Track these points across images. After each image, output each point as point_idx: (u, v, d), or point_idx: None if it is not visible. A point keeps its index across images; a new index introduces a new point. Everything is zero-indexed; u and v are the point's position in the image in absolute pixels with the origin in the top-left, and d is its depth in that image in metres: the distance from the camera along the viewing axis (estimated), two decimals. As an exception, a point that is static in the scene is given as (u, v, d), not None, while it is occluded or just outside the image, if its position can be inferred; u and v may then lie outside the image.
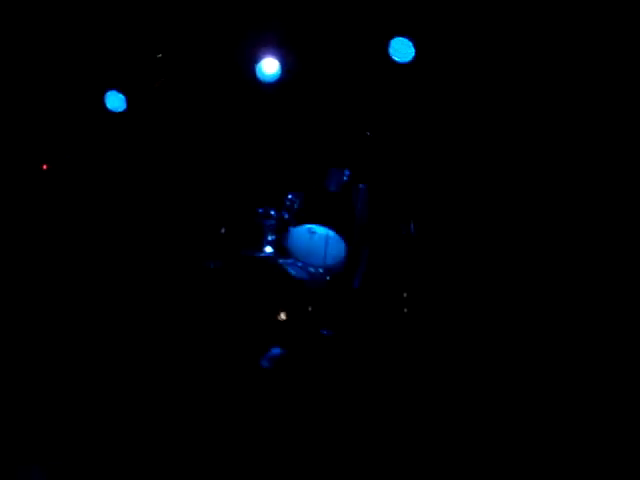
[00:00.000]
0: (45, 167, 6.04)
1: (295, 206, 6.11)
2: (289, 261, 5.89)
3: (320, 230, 5.98)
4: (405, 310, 5.77)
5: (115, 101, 6.21)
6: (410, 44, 5.94)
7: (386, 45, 6.02)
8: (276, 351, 5.33)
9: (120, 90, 6.18)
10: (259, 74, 6.29)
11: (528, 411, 4.74)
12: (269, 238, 5.96)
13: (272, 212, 6.00)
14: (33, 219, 6.05)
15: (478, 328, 5.62)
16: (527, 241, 5.82)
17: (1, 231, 5.93)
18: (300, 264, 5.94)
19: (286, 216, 6.07)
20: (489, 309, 5.72)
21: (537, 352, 5.30)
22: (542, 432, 4.53)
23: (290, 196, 6.14)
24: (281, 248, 6.04)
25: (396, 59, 6.04)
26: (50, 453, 4.37)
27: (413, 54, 5.92)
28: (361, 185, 6.24)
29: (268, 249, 5.93)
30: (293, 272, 5.62)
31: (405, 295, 5.80)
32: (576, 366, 5.07)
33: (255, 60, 6.23)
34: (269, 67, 6.22)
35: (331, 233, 5.96)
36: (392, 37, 6.00)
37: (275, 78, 6.24)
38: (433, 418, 4.82)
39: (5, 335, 5.40)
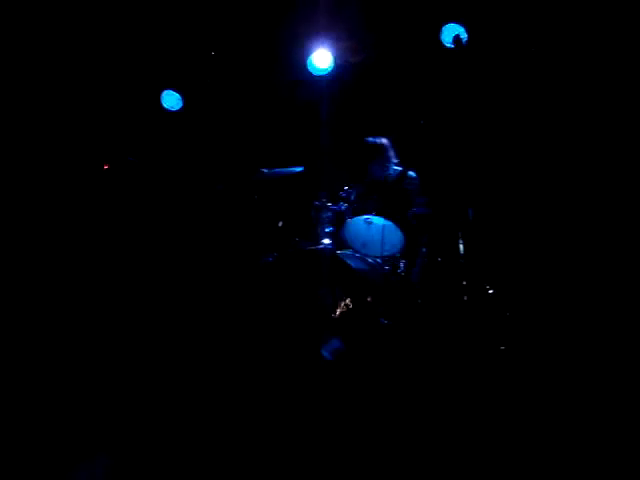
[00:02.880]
0: (106, 167, 6.17)
1: (351, 197, 6.13)
2: (347, 252, 5.91)
3: (377, 220, 5.96)
4: (465, 298, 5.74)
5: (171, 100, 6.31)
6: (462, 30, 5.90)
7: (438, 31, 6.00)
8: (336, 343, 5.37)
9: (176, 89, 6.28)
10: (311, 66, 6.33)
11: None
12: (326, 230, 5.97)
13: (328, 204, 6.02)
14: (97, 217, 6.20)
15: (540, 316, 5.57)
16: (593, 234, 5.72)
17: (66, 229, 6.08)
18: (358, 255, 5.95)
19: (343, 207, 6.09)
20: (552, 298, 5.65)
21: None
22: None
23: (346, 187, 6.16)
24: (338, 239, 6.05)
25: (448, 45, 6.01)
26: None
27: (465, 40, 5.88)
28: (413, 174, 6.24)
29: (326, 241, 5.95)
30: (351, 263, 5.63)
31: (464, 283, 5.77)
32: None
33: (308, 53, 6.27)
34: (321, 59, 6.24)
35: (388, 223, 5.93)
36: (444, 23, 5.98)
37: (327, 70, 6.26)
38: (499, 408, 4.78)
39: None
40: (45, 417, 4.61)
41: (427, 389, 4.99)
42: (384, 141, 6.25)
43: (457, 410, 4.71)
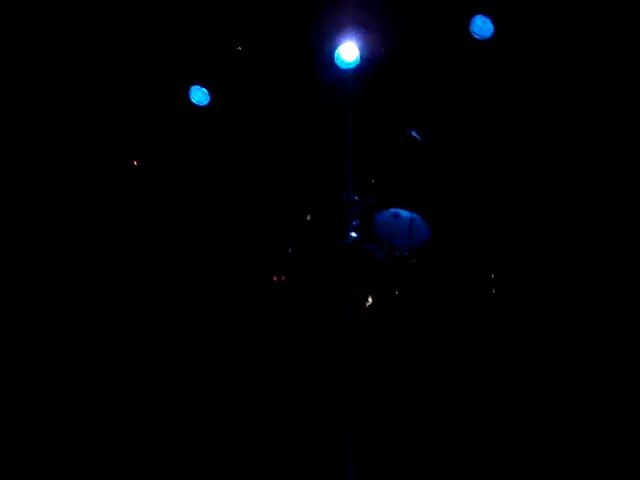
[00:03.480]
0: (136, 163, 6.24)
1: (378, 191, 6.13)
2: (374, 245, 5.92)
3: (404, 213, 5.96)
4: (493, 291, 5.73)
5: (199, 95, 6.35)
6: (489, 21, 5.86)
7: (466, 22, 5.96)
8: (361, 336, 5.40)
9: (203, 84, 6.32)
10: (338, 60, 6.32)
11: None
12: (354, 223, 6.00)
13: (356, 197, 6.03)
14: (126, 214, 6.28)
15: (547, 314, 5.55)
16: (602, 234, 5.67)
17: (97, 226, 6.18)
18: (385, 248, 5.96)
19: (370, 201, 6.09)
20: (581, 302, 5.62)
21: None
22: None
23: (373, 181, 6.17)
24: (366, 233, 6.06)
25: (476, 36, 5.97)
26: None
27: (492, 31, 5.85)
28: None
29: (353, 234, 5.97)
30: (379, 256, 5.65)
31: (493, 276, 5.76)
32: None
33: (334, 46, 6.26)
34: (348, 53, 6.23)
35: (415, 216, 5.92)
36: (472, 14, 5.93)
37: (354, 64, 6.25)
38: (533, 401, 4.77)
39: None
40: (46, 417, 4.69)
41: (450, 382, 5.01)
42: (418, 138, 6.21)
43: (472, 405, 4.72)
